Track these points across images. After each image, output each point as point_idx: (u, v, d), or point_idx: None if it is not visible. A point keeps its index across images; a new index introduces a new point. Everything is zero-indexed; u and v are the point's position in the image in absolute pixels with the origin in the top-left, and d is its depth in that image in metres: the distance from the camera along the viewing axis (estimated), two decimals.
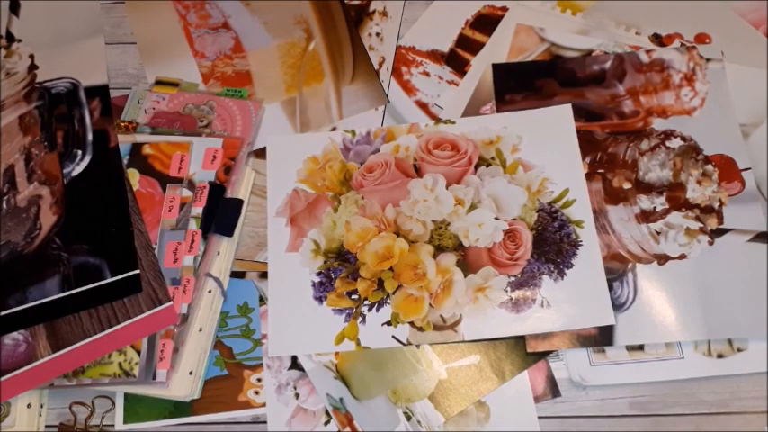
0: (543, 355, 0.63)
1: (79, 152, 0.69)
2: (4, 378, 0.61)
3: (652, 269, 0.64)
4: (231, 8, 0.81)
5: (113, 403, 0.64)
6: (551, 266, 0.64)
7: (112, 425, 0.63)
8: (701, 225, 0.65)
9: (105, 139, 0.70)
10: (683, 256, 0.64)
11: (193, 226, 0.66)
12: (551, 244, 0.65)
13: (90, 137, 0.70)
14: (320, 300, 0.65)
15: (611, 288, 0.63)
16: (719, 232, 0.65)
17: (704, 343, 0.62)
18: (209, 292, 0.65)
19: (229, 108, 0.74)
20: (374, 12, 0.80)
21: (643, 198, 0.67)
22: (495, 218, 0.65)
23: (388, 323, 0.64)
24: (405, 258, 0.65)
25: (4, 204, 0.67)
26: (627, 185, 0.67)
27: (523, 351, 0.63)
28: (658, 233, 0.65)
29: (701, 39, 0.75)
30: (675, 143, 0.68)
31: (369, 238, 0.66)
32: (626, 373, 0.62)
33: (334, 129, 0.74)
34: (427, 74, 0.76)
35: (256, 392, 0.64)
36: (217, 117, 0.73)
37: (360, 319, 0.64)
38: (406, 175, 0.68)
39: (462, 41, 0.78)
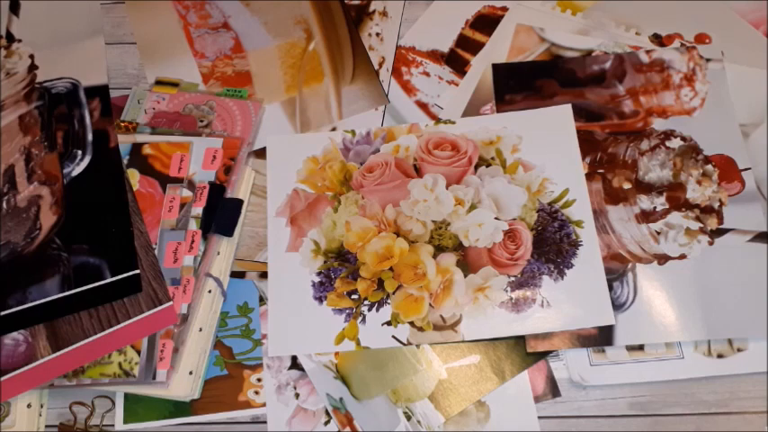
0: (543, 355, 0.63)
1: (79, 152, 0.69)
2: (4, 378, 0.61)
3: (652, 269, 0.64)
4: (231, 8, 0.81)
5: (113, 403, 0.64)
6: (551, 266, 0.64)
7: (112, 425, 0.63)
8: (701, 225, 0.65)
9: (105, 139, 0.70)
10: (683, 256, 0.64)
11: (193, 226, 0.66)
12: (551, 244, 0.65)
13: (90, 137, 0.70)
14: (320, 300, 0.65)
15: (611, 288, 0.63)
16: (719, 232, 0.65)
17: (704, 343, 0.62)
18: (209, 292, 0.65)
19: (229, 108, 0.74)
20: (374, 12, 0.80)
21: (643, 198, 0.67)
22: (495, 218, 0.65)
23: (388, 323, 0.64)
24: (405, 258, 0.65)
25: (4, 204, 0.67)
26: (627, 185, 0.67)
27: (523, 351, 0.63)
28: (658, 233, 0.65)
29: (701, 39, 0.75)
30: (675, 143, 0.69)
31: (369, 238, 0.66)
32: (626, 373, 0.62)
33: (334, 129, 0.74)
34: (427, 74, 0.76)
35: (256, 392, 0.64)
36: (217, 117, 0.73)
37: (360, 319, 0.64)
38: (406, 175, 0.68)
39: (462, 41, 0.78)
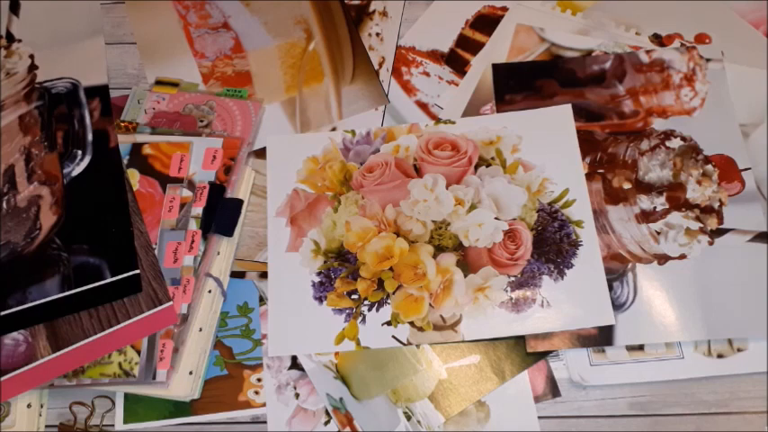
0: (543, 355, 0.63)
1: (79, 152, 0.69)
2: (4, 378, 0.61)
3: (652, 269, 0.64)
4: (231, 8, 0.81)
5: (113, 403, 0.64)
6: (551, 266, 0.64)
7: (112, 425, 0.63)
8: (701, 225, 0.65)
9: (105, 139, 0.70)
10: (683, 256, 0.64)
11: (193, 226, 0.66)
12: (551, 244, 0.65)
13: (90, 137, 0.70)
14: (320, 300, 0.65)
15: (611, 288, 0.63)
16: (719, 232, 0.65)
17: (704, 343, 0.62)
18: (209, 292, 0.65)
19: (229, 108, 0.74)
20: (374, 12, 0.80)
21: (643, 198, 0.67)
22: (495, 218, 0.65)
23: (388, 323, 0.64)
24: (405, 258, 0.65)
25: (4, 204, 0.67)
26: (627, 185, 0.67)
27: (523, 351, 0.63)
28: (658, 233, 0.65)
29: (701, 39, 0.75)
30: (675, 143, 0.69)
31: (369, 238, 0.66)
32: (626, 373, 0.62)
33: (334, 129, 0.74)
34: (427, 74, 0.76)
35: (256, 392, 0.64)
36: (217, 117, 0.73)
37: (360, 319, 0.64)
38: (406, 175, 0.68)
39: (462, 41, 0.78)
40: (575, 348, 0.63)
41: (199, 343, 0.64)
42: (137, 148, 0.70)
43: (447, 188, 0.67)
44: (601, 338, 0.62)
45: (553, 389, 0.63)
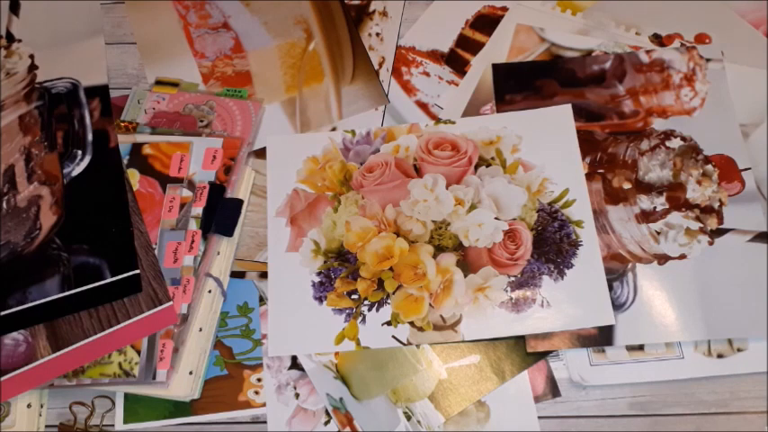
0: (543, 355, 0.63)
1: (79, 152, 0.69)
2: (4, 378, 0.61)
3: (652, 269, 0.64)
4: (231, 8, 0.81)
5: (113, 403, 0.64)
6: (551, 266, 0.64)
7: (112, 425, 0.63)
8: (701, 225, 0.65)
9: (105, 139, 0.70)
10: (683, 256, 0.64)
11: (193, 226, 0.66)
12: (551, 244, 0.65)
13: (90, 137, 0.70)
14: (320, 300, 0.65)
15: (611, 288, 0.63)
16: (719, 232, 0.65)
17: (704, 343, 0.62)
18: (210, 292, 0.65)
19: (229, 108, 0.74)
20: (374, 12, 0.80)
21: (643, 198, 0.67)
22: (495, 218, 0.65)
23: (388, 323, 0.64)
24: (405, 258, 0.65)
25: (4, 204, 0.67)
26: (627, 185, 0.67)
27: (523, 351, 0.63)
28: (658, 233, 0.65)
29: (701, 39, 0.75)
30: (675, 143, 0.69)
31: (369, 238, 0.66)
32: (626, 373, 0.62)
33: (334, 129, 0.74)
34: (427, 74, 0.76)
35: (256, 392, 0.64)
36: (217, 117, 0.73)
37: (360, 319, 0.64)
38: (406, 175, 0.68)
39: (462, 41, 0.78)
40: (575, 348, 0.63)
41: (199, 343, 0.64)
42: (137, 148, 0.70)
43: (447, 188, 0.67)
44: (601, 338, 0.62)
45: (553, 389, 0.63)
